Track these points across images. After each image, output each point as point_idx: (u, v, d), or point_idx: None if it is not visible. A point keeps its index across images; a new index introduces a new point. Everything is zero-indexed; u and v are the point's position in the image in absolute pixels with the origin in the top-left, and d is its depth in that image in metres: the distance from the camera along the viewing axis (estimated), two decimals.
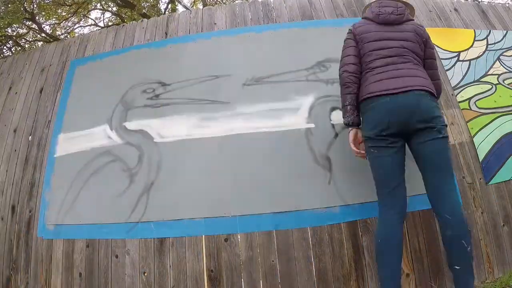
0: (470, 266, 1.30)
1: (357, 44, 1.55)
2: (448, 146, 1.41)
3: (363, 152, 1.54)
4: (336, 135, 1.85)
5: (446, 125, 1.42)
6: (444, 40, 2.20)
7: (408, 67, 1.45)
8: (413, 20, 1.59)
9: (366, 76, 1.50)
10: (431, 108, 1.38)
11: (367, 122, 1.46)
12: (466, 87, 2.05)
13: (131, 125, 2.01)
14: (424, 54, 1.54)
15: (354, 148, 1.54)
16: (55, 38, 5.42)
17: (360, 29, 1.56)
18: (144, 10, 6.03)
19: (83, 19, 6.73)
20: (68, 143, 2.06)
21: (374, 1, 1.60)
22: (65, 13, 6.16)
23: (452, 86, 2.04)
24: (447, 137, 1.40)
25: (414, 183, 1.73)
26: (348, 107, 1.50)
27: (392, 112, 1.38)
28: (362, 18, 1.63)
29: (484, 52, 2.20)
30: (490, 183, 1.83)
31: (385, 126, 1.39)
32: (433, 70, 1.56)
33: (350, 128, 1.56)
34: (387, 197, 1.42)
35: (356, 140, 1.56)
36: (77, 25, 6.75)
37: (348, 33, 1.61)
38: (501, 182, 1.84)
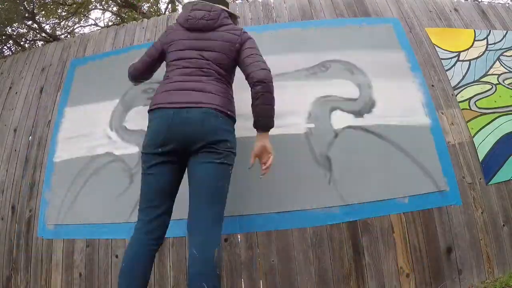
0: None
1: (162, 51, 1.45)
2: (222, 173, 1.24)
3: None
4: (336, 135, 1.84)
5: (233, 153, 1.30)
6: (444, 40, 2.20)
7: (204, 81, 1.31)
8: (231, 25, 1.43)
9: (159, 86, 1.37)
10: (218, 129, 1.24)
11: (146, 135, 1.31)
12: (466, 87, 2.05)
13: (131, 125, 2.01)
14: (240, 57, 1.38)
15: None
16: (55, 38, 5.41)
17: (169, 36, 1.43)
18: (144, 7, 6.02)
19: (83, 19, 6.73)
20: (68, 143, 2.06)
21: (187, 2, 1.44)
22: (65, 13, 6.16)
23: (452, 86, 2.04)
24: (226, 164, 1.25)
25: (414, 183, 1.74)
26: None
27: (171, 127, 1.23)
28: (176, 21, 1.47)
29: (484, 52, 2.20)
30: (490, 183, 1.83)
31: (161, 143, 1.24)
32: (255, 62, 1.35)
33: None
34: (145, 218, 1.23)
35: None
36: (77, 25, 6.76)
37: (161, 35, 1.51)
38: (501, 182, 1.84)
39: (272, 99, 1.33)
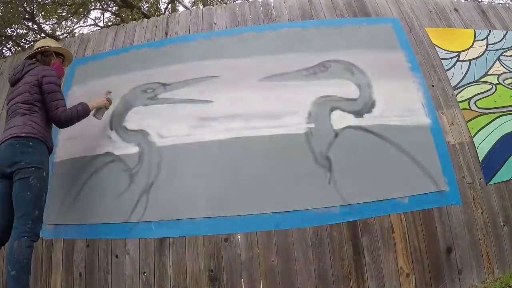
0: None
1: None
2: (26, 187, 1.52)
3: None
4: (336, 135, 1.84)
5: (29, 167, 1.54)
6: (444, 40, 2.20)
7: (14, 120, 1.65)
8: (37, 67, 1.77)
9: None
10: (13, 155, 1.55)
11: None
12: (466, 87, 2.05)
13: (131, 125, 2.01)
14: (42, 92, 1.70)
15: None
16: (55, 38, 5.41)
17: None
18: (144, 7, 6.01)
19: (82, 19, 6.74)
20: (68, 143, 2.06)
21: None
22: (65, 13, 6.17)
23: (452, 86, 2.04)
24: (24, 178, 1.53)
25: (414, 183, 1.75)
26: None
27: None
28: None
29: (484, 52, 2.20)
30: (490, 183, 1.83)
31: None
32: (52, 102, 1.69)
33: None
34: None
35: None
36: (77, 25, 6.76)
37: None
38: (501, 182, 1.84)
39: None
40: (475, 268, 1.67)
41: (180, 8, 7.15)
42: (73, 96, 2.21)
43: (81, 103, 1.80)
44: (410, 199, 1.72)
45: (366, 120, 1.87)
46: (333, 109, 1.90)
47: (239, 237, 1.71)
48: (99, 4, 6.51)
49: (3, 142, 1.60)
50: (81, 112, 1.77)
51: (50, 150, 1.72)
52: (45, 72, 1.74)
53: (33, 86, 1.70)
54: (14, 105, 1.69)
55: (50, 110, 1.69)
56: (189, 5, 7.31)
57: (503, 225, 1.77)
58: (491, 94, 2.05)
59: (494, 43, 2.25)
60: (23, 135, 1.59)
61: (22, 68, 1.77)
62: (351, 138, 1.84)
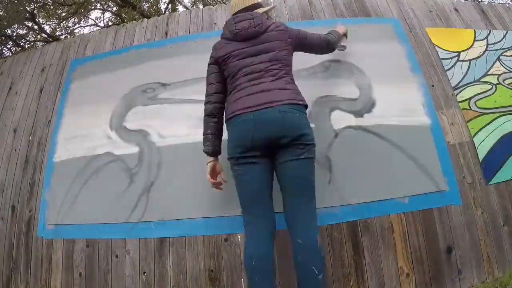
0: None
1: (220, 68, 1.51)
2: (310, 168, 1.35)
3: (219, 182, 1.50)
4: (336, 135, 1.84)
5: (313, 144, 1.36)
6: (444, 40, 2.20)
7: (274, 81, 1.39)
8: (272, 23, 1.51)
9: (230, 96, 1.45)
10: (297, 124, 1.32)
11: (231, 141, 1.39)
12: (466, 87, 2.05)
13: (131, 125, 2.01)
14: (297, 42, 1.54)
15: (211, 180, 1.48)
16: (55, 38, 5.41)
17: (221, 51, 1.50)
18: (144, 7, 6.01)
19: (83, 19, 6.74)
20: (68, 143, 2.06)
21: (229, 19, 1.54)
22: (65, 13, 6.17)
23: (452, 86, 2.04)
24: (310, 158, 1.34)
25: (414, 182, 1.74)
26: (210, 136, 1.45)
27: (255, 129, 1.32)
28: (221, 38, 1.56)
29: (484, 52, 2.20)
30: (490, 183, 1.83)
31: (249, 145, 1.33)
32: (315, 41, 1.60)
33: (209, 159, 1.49)
34: (255, 216, 1.36)
35: (215, 171, 1.50)
36: (77, 25, 6.76)
37: (210, 57, 1.55)
38: (501, 182, 1.84)
39: None
40: (475, 268, 1.67)
41: (180, 8, 7.15)
42: (73, 95, 2.21)
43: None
44: (410, 199, 1.72)
45: (366, 120, 1.87)
46: (333, 109, 1.90)
47: (239, 237, 1.71)
48: (99, 4, 6.51)
49: (266, 107, 1.32)
50: (337, 34, 1.75)
51: None
52: (287, 27, 1.53)
53: (286, 44, 1.48)
54: (263, 63, 1.42)
55: (319, 42, 1.61)
56: (189, 5, 7.31)
57: (503, 225, 1.77)
58: (491, 94, 2.05)
59: (494, 43, 2.25)
60: (300, 103, 1.38)
61: (261, 21, 1.47)
62: (351, 138, 1.84)
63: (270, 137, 1.31)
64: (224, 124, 1.49)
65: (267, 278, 1.28)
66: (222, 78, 1.52)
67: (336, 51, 1.83)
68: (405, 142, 1.82)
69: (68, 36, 6.14)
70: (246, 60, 1.44)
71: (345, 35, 1.90)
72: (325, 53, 1.76)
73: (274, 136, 1.31)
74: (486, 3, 2.64)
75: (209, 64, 1.56)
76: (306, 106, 1.43)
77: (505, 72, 2.14)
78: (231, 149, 1.38)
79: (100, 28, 6.53)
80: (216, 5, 2.97)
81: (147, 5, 6.68)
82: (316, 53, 1.73)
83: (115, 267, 1.76)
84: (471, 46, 2.22)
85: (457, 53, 2.16)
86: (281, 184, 1.37)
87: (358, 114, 1.89)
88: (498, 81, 2.10)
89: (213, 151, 1.47)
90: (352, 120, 1.87)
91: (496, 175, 1.85)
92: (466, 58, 2.15)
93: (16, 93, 2.42)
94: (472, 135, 1.91)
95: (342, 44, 1.87)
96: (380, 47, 2.10)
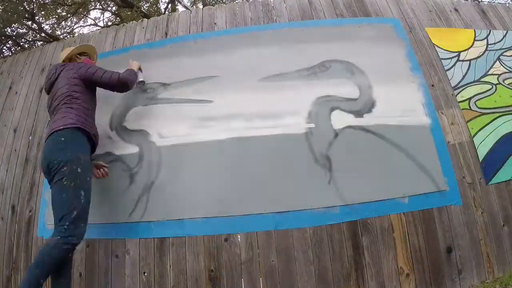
0: None
1: None
2: (63, 188, 1.48)
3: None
4: (336, 135, 1.84)
5: (63, 167, 1.48)
6: (444, 40, 2.20)
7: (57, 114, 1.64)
8: (68, 65, 1.79)
9: None
10: (52, 151, 1.54)
11: None
12: (466, 87, 2.05)
13: (131, 125, 2.01)
14: (80, 77, 1.72)
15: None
16: (55, 38, 5.41)
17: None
18: (144, 6, 6.00)
19: (82, 19, 6.73)
20: None
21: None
22: (64, 13, 6.16)
23: (452, 86, 2.04)
24: (60, 179, 1.48)
25: (414, 183, 1.74)
26: None
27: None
28: None
29: (484, 52, 2.20)
30: (490, 183, 1.83)
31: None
32: (103, 74, 1.75)
33: None
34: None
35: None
36: (76, 25, 6.76)
37: None
38: (501, 182, 1.84)
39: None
40: (475, 268, 1.67)
41: (180, 8, 7.15)
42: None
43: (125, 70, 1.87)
44: (410, 199, 1.72)
45: (366, 120, 1.87)
46: (333, 109, 1.90)
47: (239, 237, 1.71)
48: (99, 4, 6.51)
49: (48, 135, 1.59)
50: (132, 73, 1.88)
51: (93, 138, 1.71)
52: (79, 65, 1.78)
53: (72, 78, 1.71)
54: (55, 100, 1.68)
55: (106, 81, 1.74)
56: (189, 5, 7.30)
57: (503, 225, 1.77)
58: (491, 94, 2.05)
59: (494, 43, 2.25)
60: (61, 128, 1.57)
61: (55, 71, 1.79)
62: (351, 138, 1.84)
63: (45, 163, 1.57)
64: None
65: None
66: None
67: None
68: (405, 142, 1.82)
69: (68, 36, 6.14)
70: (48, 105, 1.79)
71: (139, 69, 2.02)
72: (121, 92, 1.86)
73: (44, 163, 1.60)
74: (486, 3, 2.64)
75: None
76: (67, 129, 1.59)
77: (505, 72, 2.14)
78: None
79: (99, 28, 6.53)
80: (216, 5, 2.97)
81: (147, 5, 6.68)
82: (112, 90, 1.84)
83: (115, 267, 1.76)
84: (471, 46, 2.21)
85: (457, 53, 2.16)
86: None
87: (358, 114, 1.89)
88: (498, 81, 2.10)
89: None
90: (352, 120, 1.87)
91: (496, 175, 1.85)
92: (466, 58, 2.15)
93: (16, 93, 2.41)
94: (472, 135, 1.91)
95: (140, 79, 1.99)
96: (380, 47, 2.10)
